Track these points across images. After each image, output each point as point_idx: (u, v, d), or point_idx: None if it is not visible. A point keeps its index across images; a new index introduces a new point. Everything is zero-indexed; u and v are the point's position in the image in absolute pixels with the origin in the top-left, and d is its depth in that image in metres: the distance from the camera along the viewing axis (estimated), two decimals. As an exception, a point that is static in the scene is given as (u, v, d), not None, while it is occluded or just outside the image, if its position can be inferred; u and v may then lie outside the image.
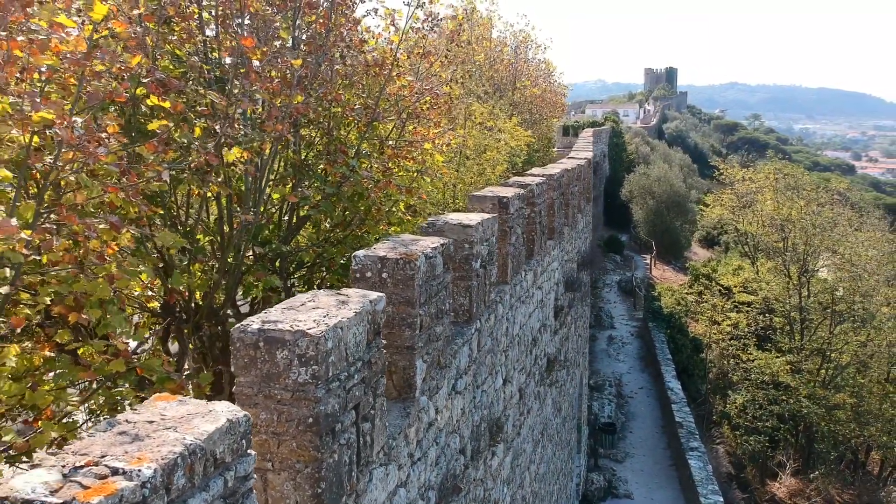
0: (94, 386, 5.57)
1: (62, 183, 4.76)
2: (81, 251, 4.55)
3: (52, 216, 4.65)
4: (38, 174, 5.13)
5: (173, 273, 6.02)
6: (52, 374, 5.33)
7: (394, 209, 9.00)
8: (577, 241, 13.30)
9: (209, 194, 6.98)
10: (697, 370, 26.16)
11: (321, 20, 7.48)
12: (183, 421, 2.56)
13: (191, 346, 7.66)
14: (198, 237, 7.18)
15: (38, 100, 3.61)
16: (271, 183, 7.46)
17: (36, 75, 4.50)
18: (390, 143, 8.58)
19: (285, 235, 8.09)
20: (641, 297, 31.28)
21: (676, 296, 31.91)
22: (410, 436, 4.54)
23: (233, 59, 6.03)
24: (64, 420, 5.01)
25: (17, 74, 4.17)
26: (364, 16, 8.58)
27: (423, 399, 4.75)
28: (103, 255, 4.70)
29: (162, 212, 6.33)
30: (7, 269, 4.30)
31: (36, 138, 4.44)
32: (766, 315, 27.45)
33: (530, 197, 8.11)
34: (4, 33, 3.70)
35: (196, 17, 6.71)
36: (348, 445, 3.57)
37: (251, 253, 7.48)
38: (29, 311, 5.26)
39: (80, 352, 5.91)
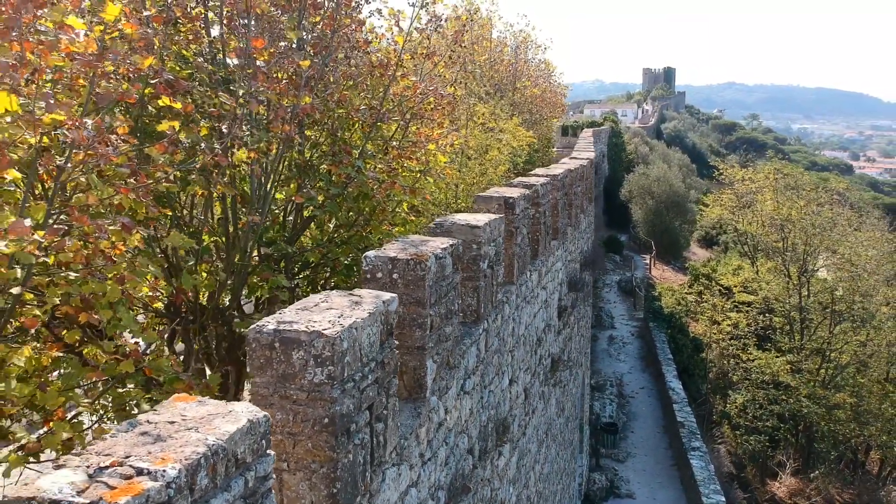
0: (101, 386, 5.58)
1: (71, 184, 4.77)
2: (91, 252, 4.55)
3: (62, 217, 4.66)
4: (44, 175, 5.14)
5: (182, 273, 6.02)
6: (55, 373, 5.34)
7: (397, 209, 9.02)
8: (580, 241, 13.32)
9: (214, 195, 7.00)
10: (698, 370, 26.19)
11: (326, 21, 7.49)
12: (204, 421, 2.57)
13: (195, 346, 7.68)
14: (203, 238, 7.19)
15: (52, 101, 3.61)
16: (277, 183, 7.46)
17: (44, 76, 4.50)
18: (394, 143, 8.59)
19: (290, 236, 8.10)
20: (641, 297, 31.31)
21: (677, 296, 31.93)
22: (421, 436, 4.55)
23: (240, 59, 6.04)
24: (73, 421, 5.01)
25: (27, 76, 4.18)
26: (368, 16, 8.60)
27: (433, 399, 4.76)
28: (111, 256, 4.71)
29: (170, 213, 6.33)
30: (18, 270, 4.30)
31: (45, 139, 4.46)
32: (766, 315, 27.49)
33: (535, 197, 8.12)
34: (16, 35, 3.70)
35: (202, 17, 6.73)
36: (362, 445, 3.58)
37: (256, 253, 7.50)
38: (38, 312, 5.27)
39: (85, 352, 5.92)
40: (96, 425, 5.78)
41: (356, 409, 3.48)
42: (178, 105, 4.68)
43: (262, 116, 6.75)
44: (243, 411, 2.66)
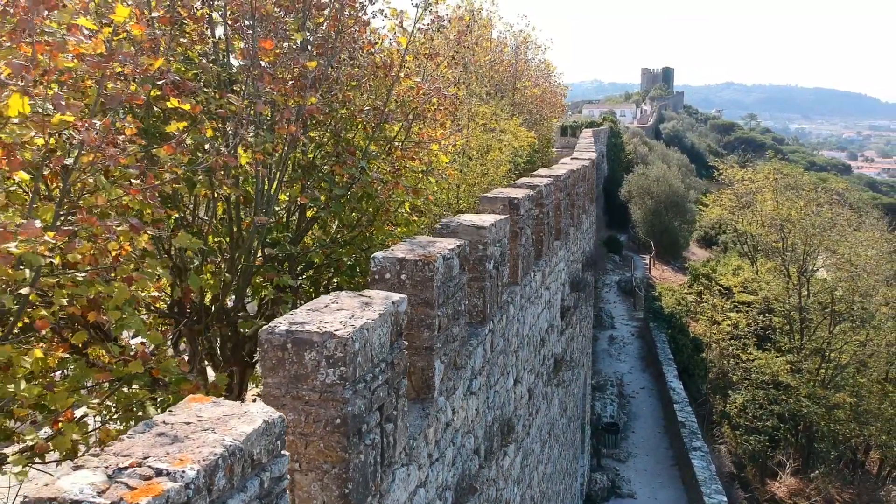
0: (106, 387, 5.58)
1: (79, 185, 4.78)
2: (99, 253, 4.56)
3: (70, 218, 4.66)
4: (49, 176, 5.14)
5: (189, 274, 6.03)
6: (58, 373, 5.34)
7: (399, 210, 9.03)
8: (582, 241, 13.34)
9: (217, 195, 7.01)
10: (698, 370, 26.21)
11: (331, 22, 7.50)
12: (220, 422, 2.58)
13: (199, 347, 7.68)
14: (208, 238, 7.20)
15: (63, 102, 3.62)
16: (281, 184, 7.47)
17: (52, 78, 4.51)
18: (397, 144, 8.60)
19: (294, 236, 8.11)
20: (641, 297, 31.33)
21: (677, 296, 31.95)
22: (429, 436, 4.56)
23: (245, 61, 6.05)
24: (81, 421, 5.02)
25: (36, 77, 4.19)
26: (372, 17, 8.60)
27: (440, 400, 4.77)
28: (118, 257, 4.71)
29: (177, 214, 6.34)
30: (27, 271, 4.30)
31: (53, 140, 4.46)
32: (766, 315, 27.51)
33: (539, 198, 8.14)
34: (29, 38, 3.71)
35: (206, 18, 6.73)
36: (373, 446, 3.60)
37: (260, 254, 7.50)
38: (45, 313, 5.27)
39: (90, 353, 5.92)
40: (101, 426, 5.80)
41: (367, 409, 3.50)
42: (188, 106, 4.68)
43: (267, 117, 6.76)
44: (259, 412, 2.66)
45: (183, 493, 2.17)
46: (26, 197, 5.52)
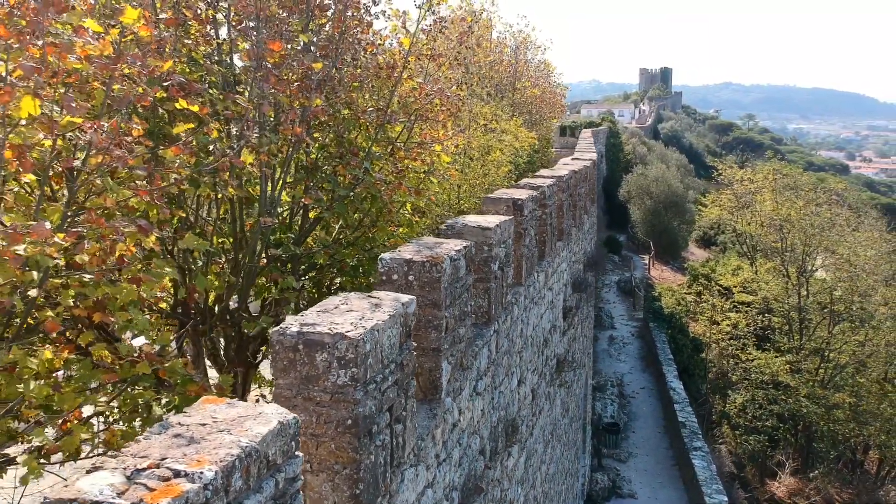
0: (111, 388, 5.59)
1: (86, 186, 4.79)
2: (107, 254, 4.57)
3: (78, 219, 4.67)
4: (54, 177, 5.15)
5: (196, 275, 6.04)
6: (60, 373, 5.34)
7: (401, 210, 9.04)
8: (584, 241, 13.37)
9: (221, 196, 7.02)
10: (698, 370, 26.24)
11: (334, 23, 7.51)
12: (235, 423, 2.59)
13: (203, 347, 7.69)
14: (213, 239, 7.21)
15: (73, 104, 3.63)
16: (285, 185, 7.48)
17: (60, 79, 4.52)
18: (400, 145, 8.62)
19: (297, 237, 8.12)
20: (641, 297, 31.36)
21: (677, 296, 31.99)
22: (437, 437, 4.58)
23: (251, 62, 6.06)
24: (88, 422, 5.02)
25: (45, 79, 4.19)
26: (374, 18, 8.61)
27: (447, 400, 4.79)
28: (123, 258, 4.72)
29: (183, 214, 6.36)
30: (34, 273, 4.31)
31: (60, 141, 4.47)
32: (765, 315, 27.56)
33: (542, 198, 8.15)
34: (39, 40, 3.72)
35: (211, 19, 6.75)
36: (383, 447, 3.61)
37: (263, 255, 7.51)
38: (51, 314, 5.28)
39: (94, 353, 5.92)
40: (107, 428, 5.81)
41: (378, 410, 3.51)
42: (196, 108, 4.69)
43: (271, 118, 6.77)
44: (273, 413, 2.68)
45: (201, 495, 2.18)
46: (31, 199, 5.53)
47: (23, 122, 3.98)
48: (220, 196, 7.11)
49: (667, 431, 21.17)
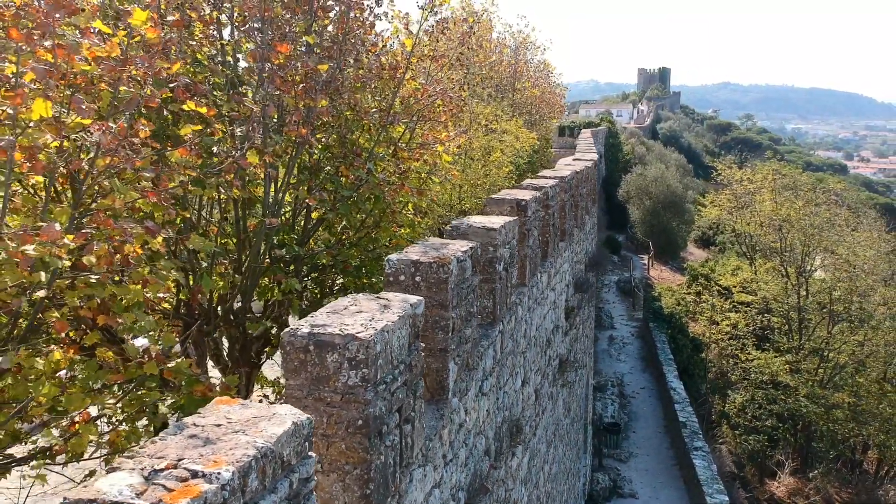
0: (116, 389, 5.60)
1: (93, 188, 4.80)
2: (114, 255, 4.58)
3: (86, 220, 4.68)
4: (60, 179, 5.16)
5: (202, 276, 6.05)
6: (62, 373, 5.35)
7: (403, 211, 9.06)
8: (585, 242, 13.39)
9: (224, 196, 7.03)
10: (697, 370, 26.29)
11: (338, 25, 7.53)
12: (249, 424, 2.60)
13: (206, 348, 7.70)
14: (216, 240, 7.22)
15: (83, 106, 3.64)
16: (289, 186, 7.50)
17: (68, 81, 4.52)
18: (402, 145, 8.63)
19: (300, 238, 8.13)
20: (640, 297, 31.40)
21: (676, 296, 32.03)
22: (444, 437, 4.59)
23: (256, 63, 6.07)
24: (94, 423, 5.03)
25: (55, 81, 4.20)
26: (377, 20, 8.63)
27: (454, 401, 4.80)
28: (128, 259, 4.73)
29: (189, 215, 6.37)
30: (42, 274, 4.32)
31: (66, 143, 4.48)
32: (765, 315, 27.60)
33: (545, 199, 8.17)
34: (48, 42, 3.73)
35: (215, 21, 6.76)
36: (393, 447, 3.62)
37: (267, 255, 7.52)
38: (57, 315, 5.29)
39: (98, 354, 5.93)
40: (112, 429, 5.82)
41: (387, 410, 3.52)
42: (204, 109, 4.71)
43: (274, 119, 6.78)
44: (287, 414, 2.69)
45: (219, 495, 2.20)
46: (36, 200, 5.54)
47: (31, 123, 3.99)
48: (222, 197, 7.13)
49: (667, 431, 21.19)
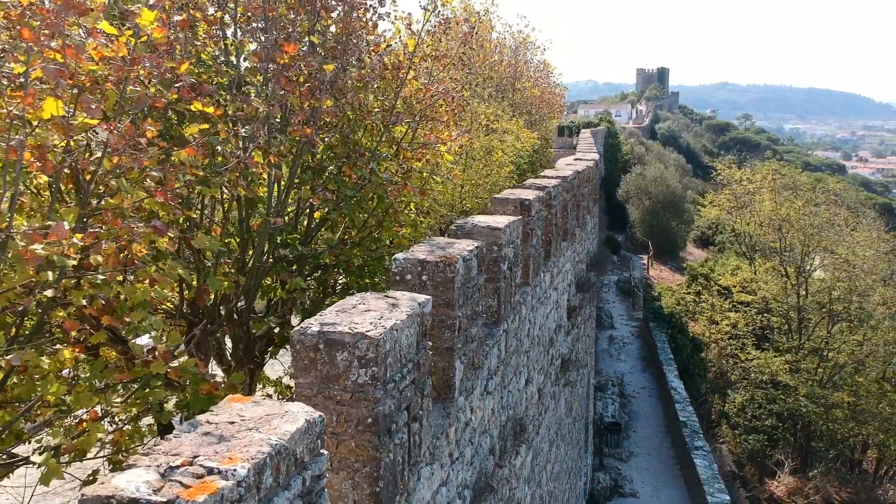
0: (121, 388, 5.61)
1: (100, 187, 4.81)
2: (123, 255, 4.59)
3: (92, 220, 4.69)
4: (64, 178, 5.17)
5: (208, 275, 6.06)
6: (65, 372, 5.36)
7: (405, 210, 9.08)
8: (587, 241, 13.41)
9: (228, 196, 7.04)
10: (697, 370, 26.32)
11: (341, 25, 7.54)
12: (263, 421, 2.62)
13: (209, 347, 7.71)
14: (220, 239, 7.23)
15: (93, 106, 3.66)
16: (293, 186, 7.51)
17: (76, 81, 4.53)
18: (405, 145, 8.64)
19: (303, 237, 8.14)
20: (640, 297, 31.42)
21: (676, 296, 32.07)
22: (451, 436, 4.61)
23: (261, 63, 6.08)
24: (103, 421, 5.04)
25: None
26: (380, 20, 8.64)
27: (460, 399, 4.82)
28: (133, 259, 4.74)
29: (194, 215, 6.38)
30: (49, 273, 4.33)
31: (73, 143, 4.49)
32: (764, 315, 27.64)
33: (548, 199, 8.19)
34: (58, 42, 3.74)
35: (219, 21, 6.77)
36: (401, 445, 3.64)
37: (270, 255, 7.54)
38: (63, 314, 5.30)
39: (102, 353, 5.94)
40: (118, 428, 5.83)
41: (396, 409, 3.54)
42: (211, 109, 4.72)
43: (277, 119, 6.79)
44: (300, 411, 2.70)
45: (235, 491, 2.21)
46: (40, 199, 5.55)
47: (37, 123, 4.00)
48: (225, 196, 7.14)
49: (668, 431, 21.21)
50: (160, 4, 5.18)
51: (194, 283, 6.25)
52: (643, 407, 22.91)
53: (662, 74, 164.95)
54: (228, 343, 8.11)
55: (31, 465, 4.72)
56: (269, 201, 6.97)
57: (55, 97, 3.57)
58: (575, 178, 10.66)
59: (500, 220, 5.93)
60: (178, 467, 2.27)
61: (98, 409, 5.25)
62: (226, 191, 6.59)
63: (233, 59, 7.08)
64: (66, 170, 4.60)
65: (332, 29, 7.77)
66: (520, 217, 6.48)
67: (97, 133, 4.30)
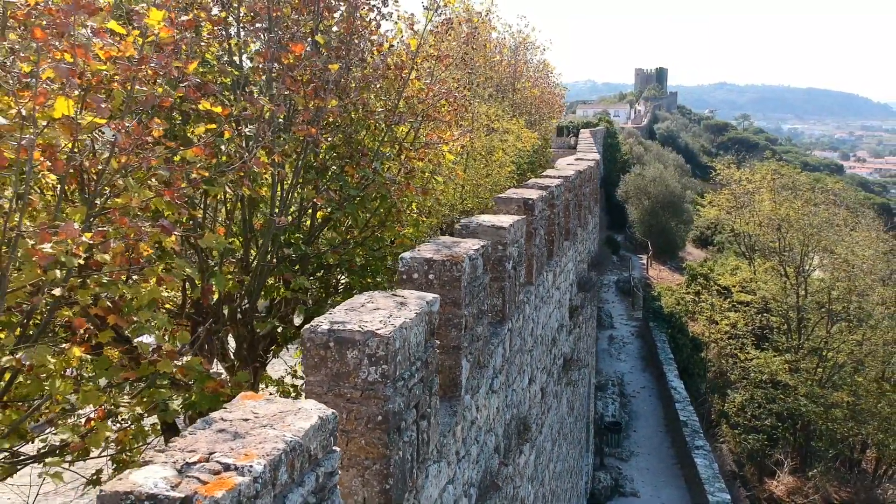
0: (127, 387, 5.62)
1: (107, 187, 4.82)
2: (129, 253, 4.60)
3: (98, 219, 4.70)
4: (70, 178, 5.18)
5: (214, 274, 6.07)
6: (69, 371, 5.37)
7: (408, 210, 9.10)
8: (588, 241, 13.44)
9: (231, 195, 7.06)
10: (697, 369, 26.36)
11: (344, 24, 7.56)
12: (276, 419, 2.63)
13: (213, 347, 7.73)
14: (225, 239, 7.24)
15: (103, 105, 3.67)
16: (297, 185, 7.53)
17: (84, 81, 4.54)
18: (408, 145, 8.67)
19: (306, 237, 8.16)
20: (640, 296, 31.46)
21: (676, 295, 32.11)
22: (457, 434, 4.63)
23: (266, 63, 6.10)
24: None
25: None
26: (382, 19, 8.66)
27: (467, 398, 4.84)
28: (138, 258, 4.75)
29: (200, 215, 6.39)
30: (57, 272, 4.34)
31: (80, 143, 4.50)
32: (764, 314, 27.69)
33: (551, 198, 8.21)
34: (67, 42, 3.76)
35: (223, 20, 6.79)
36: (410, 443, 3.66)
37: (273, 255, 7.55)
38: (68, 313, 5.31)
39: (106, 352, 5.95)
40: (122, 428, 5.84)
41: (405, 406, 3.56)
42: (219, 109, 4.73)
43: (281, 119, 6.81)
44: (313, 409, 2.72)
45: (252, 487, 2.23)
46: (48, 199, 5.56)
47: (45, 123, 4.01)
48: (229, 196, 7.15)
49: (668, 430, 21.24)
50: (168, 4, 5.20)
51: (198, 282, 6.26)
52: (643, 406, 22.94)
53: (661, 74, 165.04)
54: (232, 343, 8.13)
55: (34, 465, 4.74)
56: (272, 201, 6.98)
57: (65, 97, 3.58)
58: (577, 178, 10.68)
59: (504, 220, 5.95)
60: (194, 464, 2.29)
61: (104, 407, 5.27)
62: (229, 190, 6.60)
63: (236, 59, 7.10)
64: (70, 170, 4.62)
65: (335, 29, 7.79)
66: (523, 216, 6.50)
67: (103, 133, 4.32)
